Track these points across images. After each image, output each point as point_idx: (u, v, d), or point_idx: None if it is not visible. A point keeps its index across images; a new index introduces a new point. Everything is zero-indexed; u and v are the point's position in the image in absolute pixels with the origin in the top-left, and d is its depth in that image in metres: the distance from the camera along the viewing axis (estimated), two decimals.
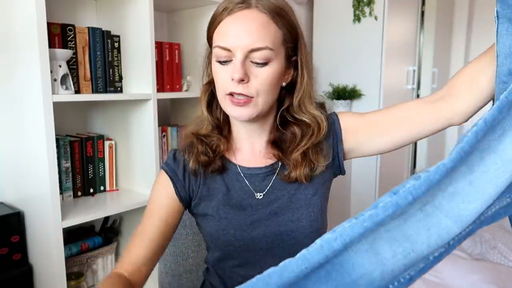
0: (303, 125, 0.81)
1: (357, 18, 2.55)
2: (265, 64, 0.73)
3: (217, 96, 0.80)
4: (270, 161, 0.84)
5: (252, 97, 0.74)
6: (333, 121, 0.85)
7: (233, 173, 0.83)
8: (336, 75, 2.67)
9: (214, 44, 0.75)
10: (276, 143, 0.83)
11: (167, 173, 0.84)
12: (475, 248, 1.83)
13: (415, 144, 3.17)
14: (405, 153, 2.99)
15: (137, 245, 0.80)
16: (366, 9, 2.50)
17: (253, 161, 0.84)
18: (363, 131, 0.83)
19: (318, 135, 0.81)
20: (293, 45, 0.78)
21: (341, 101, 2.57)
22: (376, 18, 2.48)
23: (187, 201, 0.84)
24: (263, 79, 0.73)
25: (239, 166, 0.83)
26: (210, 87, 0.83)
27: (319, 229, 0.81)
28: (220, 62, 0.74)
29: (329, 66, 2.71)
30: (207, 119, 0.84)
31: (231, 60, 0.73)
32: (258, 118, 0.79)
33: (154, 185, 0.86)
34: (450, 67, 3.71)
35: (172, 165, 0.84)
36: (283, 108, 0.82)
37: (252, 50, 0.71)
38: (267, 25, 0.72)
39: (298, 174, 0.80)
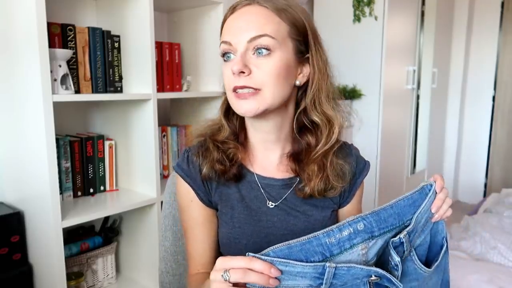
0: (317, 131, 0.80)
1: (357, 18, 2.55)
2: (267, 54, 0.71)
3: None
4: (288, 175, 0.83)
5: (258, 89, 0.71)
6: (364, 165, 0.91)
7: (248, 181, 0.82)
8: (336, 75, 2.67)
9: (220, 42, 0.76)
10: (294, 155, 0.82)
11: (184, 179, 0.82)
12: (475, 248, 1.83)
13: (415, 144, 3.17)
14: (405, 153, 2.99)
15: (199, 250, 0.83)
16: (366, 9, 2.51)
17: (271, 171, 0.83)
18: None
19: (331, 137, 0.79)
20: (303, 41, 0.76)
21: (341, 101, 2.57)
22: (376, 18, 2.48)
23: (211, 203, 0.83)
24: (267, 70, 0.71)
25: (256, 174, 0.82)
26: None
27: None
28: (224, 57, 0.75)
29: None
30: (224, 126, 0.83)
31: (234, 56, 0.73)
32: (268, 118, 0.77)
33: (178, 194, 0.85)
34: (450, 67, 3.71)
35: (187, 170, 0.82)
36: (300, 109, 0.80)
37: (251, 40, 0.71)
38: (267, 16, 0.72)
39: (311, 187, 0.78)
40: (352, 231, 0.61)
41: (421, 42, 3.01)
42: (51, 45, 1.29)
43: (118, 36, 1.49)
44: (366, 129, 2.63)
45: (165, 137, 1.74)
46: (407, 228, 0.65)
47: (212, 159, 0.79)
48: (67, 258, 1.39)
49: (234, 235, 0.80)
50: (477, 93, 3.79)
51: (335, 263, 0.58)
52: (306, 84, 0.79)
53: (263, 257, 0.55)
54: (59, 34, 1.35)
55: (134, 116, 1.51)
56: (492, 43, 3.65)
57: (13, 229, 1.29)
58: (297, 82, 0.78)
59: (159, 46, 1.60)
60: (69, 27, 1.37)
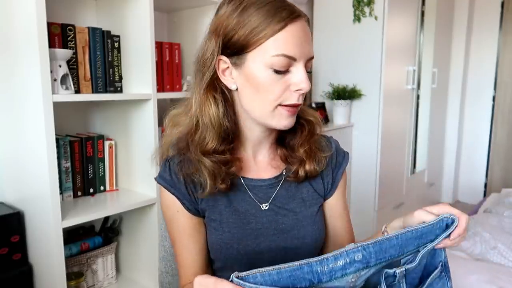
0: (305, 122, 0.84)
1: (357, 18, 2.55)
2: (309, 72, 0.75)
3: (230, 100, 0.77)
4: (274, 172, 0.83)
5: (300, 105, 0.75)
6: (344, 156, 0.89)
7: (235, 184, 0.80)
8: (336, 75, 2.67)
9: (273, 52, 0.69)
10: (282, 141, 0.84)
11: (169, 190, 0.79)
12: (475, 248, 1.83)
13: (415, 144, 3.17)
14: (405, 153, 2.99)
15: (189, 259, 0.83)
16: (366, 9, 2.51)
17: (257, 172, 0.83)
18: (331, 212, 0.89)
19: (319, 130, 0.85)
20: None
21: (341, 101, 2.57)
22: (376, 18, 2.48)
23: (198, 211, 0.81)
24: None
25: (242, 177, 0.81)
26: (217, 93, 0.77)
27: (320, 246, 0.85)
28: (278, 71, 0.71)
29: (329, 66, 2.71)
30: (215, 129, 0.76)
31: (287, 70, 0.72)
32: None
33: (163, 206, 0.83)
34: (450, 67, 3.71)
35: (170, 180, 0.79)
36: None
37: (309, 59, 0.73)
38: (310, 34, 0.75)
39: (308, 169, 0.81)
40: (347, 261, 0.59)
41: (421, 42, 3.01)
42: (51, 45, 1.29)
43: (118, 36, 1.49)
44: (366, 129, 2.63)
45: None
46: (408, 266, 0.62)
47: (216, 181, 0.76)
48: (67, 258, 1.39)
49: (224, 240, 0.79)
50: (477, 93, 3.79)
51: None
52: None
53: (248, 284, 0.53)
54: (59, 34, 1.35)
55: (134, 116, 1.51)
56: (492, 43, 3.65)
57: (13, 229, 1.29)
58: None
59: (159, 46, 1.60)
60: (69, 27, 1.37)
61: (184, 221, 0.81)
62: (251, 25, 0.70)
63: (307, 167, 0.81)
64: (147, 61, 1.42)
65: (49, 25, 1.26)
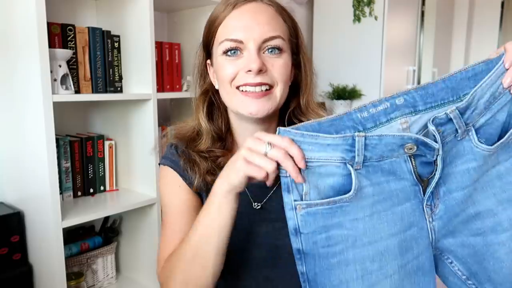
0: None
1: (357, 18, 2.55)
2: (279, 53, 0.72)
3: (219, 102, 0.77)
4: None
5: (272, 87, 0.72)
6: None
7: None
8: (336, 75, 2.67)
9: (220, 39, 0.72)
10: None
11: (174, 169, 0.80)
12: None
13: None
14: None
15: (175, 238, 0.78)
16: (366, 9, 2.50)
17: None
18: None
19: None
20: (296, 42, 0.77)
21: (341, 101, 2.57)
22: (376, 18, 2.48)
23: (198, 192, 0.82)
24: (279, 68, 0.72)
25: None
26: (207, 97, 0.81)
27: None
28: (227, 54, 0.71)
29: (329, 66, 2.71)
30: (206, 132, 0.79)
31: (240, 54, 0.71)
32: (266, 120, 0.76)
33: (163, 184, 0.83)
34: (450, 67, 3.71)
35: (174, 161, 0.81)
36: (291, 109, 0.80)
37: (266, 40, 0.70)
38: (275, 17, 0.72)
39: None
40: (388, 106, 0.56)
41: (421, 42, 3.01)
42: (51, 45, 1.29)
43: (118, 36, 1.49)
44: None
45: (165, 137, 1.74)
46: (458, 104, 0.54)
47: (203, 172, 0.77)
48: (67, 258, 1.39)
49: None
50: None
51: (365, 133, 0.54)
52: (293, 85, 0.79)
53: (293, 131, 0.54)
54: (59, 34, 1.35)
55: (134, 116, 1.51)
56: (492, 43, 3.65)
57: (13, 229, 1.29)
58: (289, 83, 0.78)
59: (159, 46, 1.60)
60: (69, 27, 1.37)
61: (183, 197, 0.80)
62: (210, 20, 0.74)
63: None
64: (147, 61, 1.42)
65: (49, 25, 1.26)
